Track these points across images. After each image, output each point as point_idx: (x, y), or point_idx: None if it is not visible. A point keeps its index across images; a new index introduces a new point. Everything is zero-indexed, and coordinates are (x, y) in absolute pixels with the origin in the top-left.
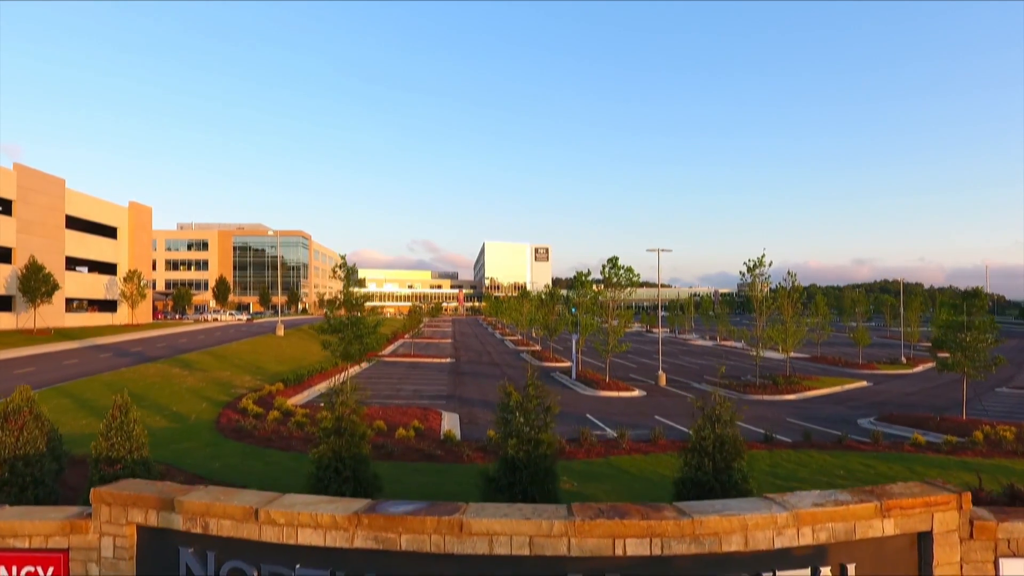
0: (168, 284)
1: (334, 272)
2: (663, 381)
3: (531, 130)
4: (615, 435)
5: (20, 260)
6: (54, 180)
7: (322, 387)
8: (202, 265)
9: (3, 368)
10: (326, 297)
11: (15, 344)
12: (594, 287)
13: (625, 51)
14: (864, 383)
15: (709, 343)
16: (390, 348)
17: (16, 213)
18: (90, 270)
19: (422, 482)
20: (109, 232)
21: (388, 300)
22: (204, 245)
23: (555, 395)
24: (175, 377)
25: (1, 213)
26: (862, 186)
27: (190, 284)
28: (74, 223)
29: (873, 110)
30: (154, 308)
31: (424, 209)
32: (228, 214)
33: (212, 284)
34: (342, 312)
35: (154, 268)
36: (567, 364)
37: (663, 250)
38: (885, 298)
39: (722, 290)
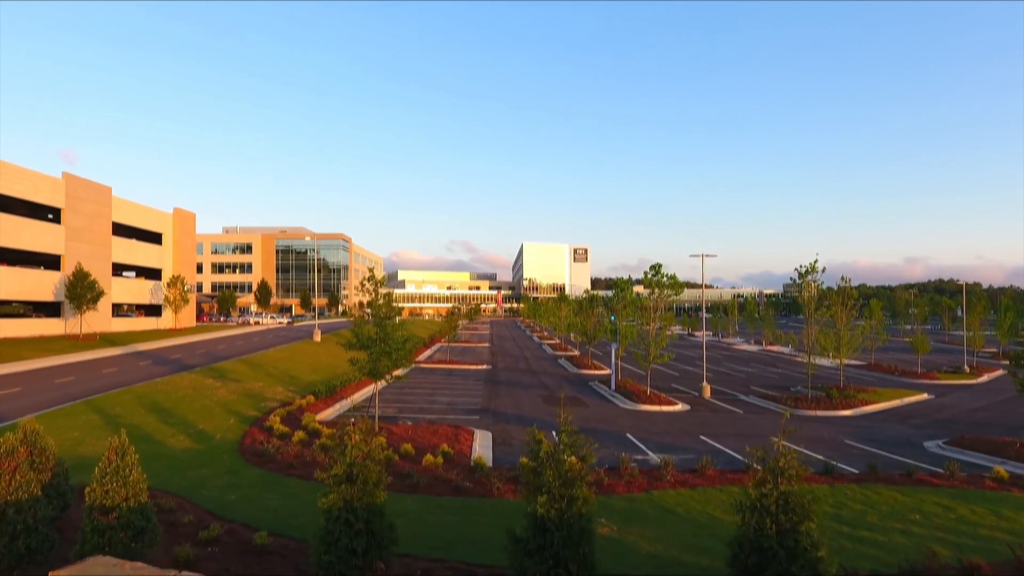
0: (214, 286)
1: (362, 285)
2: (707, 393)
3: (570, 130)
4: (658, 461)
5: (69, 267)
6: (101, 188)
7: (354, 398)
8: (246, 268)
9: (45, 376)
10: (364, 299)
11: (61, 351)
12: (634, 289)
13: (667, 49)
14: (925, 395)
15: (754, 348)
16: (427, 353)
17: (65, 221)
18: (136, 275)
19: (445, 523)
20: (154, 238)
21: (427, 301)
22: (248, 248)
23: (591, 443)
24: (207, 389)
25: (50, 221)
26: (915, 182)
27: (234, 287)
28: (120, 230)
29: (927, 106)
30: (200, 310)
31: (462, 209)
32: (272, 217)
33: (255, 287)
34: (365, 310)
35: (200, 271)
36: (606, 372)
37: (707, 255)
38: (943, 300)
39: (767, 291)
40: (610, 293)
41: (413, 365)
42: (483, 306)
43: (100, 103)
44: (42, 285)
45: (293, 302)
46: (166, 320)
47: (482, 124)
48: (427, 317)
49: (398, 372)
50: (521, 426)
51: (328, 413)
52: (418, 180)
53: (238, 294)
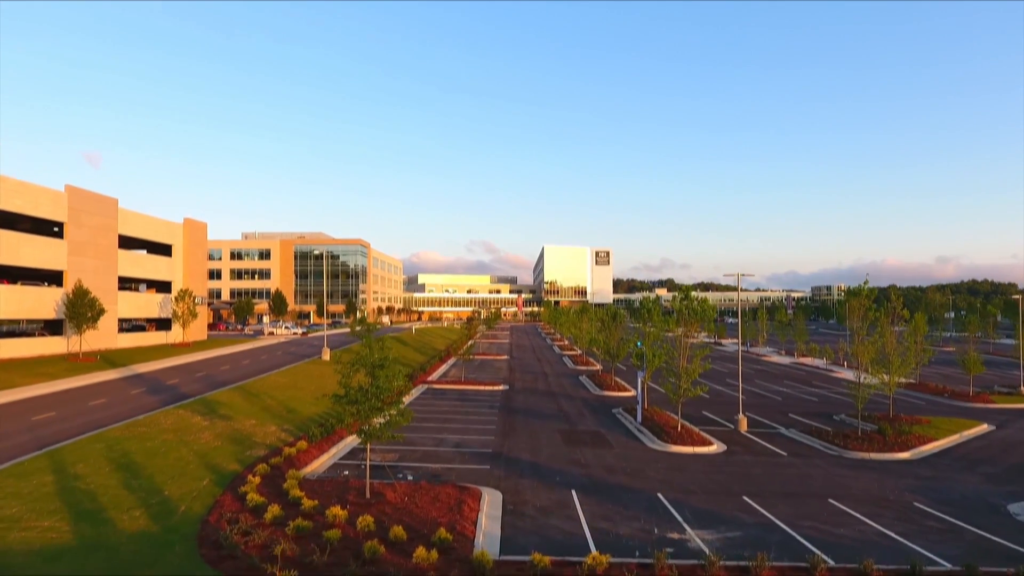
0: (233, 293)
1: (353, 329)
2: (744, 426)
3: (592, 129)
4: (699, 546)
5: (72, 283)
6: (106, 200)
7: (353, 440)
8: (265, 274)
9: (24, 412)
10: (384, 305)
11: (55, 375)
12: (657, 291)
13: (690, 47)
14: (985, 426)
15: (785, 360)
16: (442, 368)
17: (68, 235)
18: (148, 288)
19: None
20: (164, 250)
21: (447, 305)
22: (267, 254)
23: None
24: (191, 431)
25: (52, 236)
26: (946, 179)
27: (253, 293)
28: (128, 242)
29: (960, 102)
30: (219, 316)
31: (483, 210)
32: (293, 222)
33: (274, 292)
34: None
35: (219, 277)
36: (630, 393)
37: (744, 275)
38: (988, 308)
39: (795, 293)
40: (633, 296)
41: (425, 386)
42: (503, 310)
43: (119, 107)
44: (43, 302)
45: (310, 308)
46: (175, 334)
47: (502, 124)
48: (446, 323)
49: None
50: (537, 480)
51: (321, 463)
52: (438, 181)
53: (256, 301)
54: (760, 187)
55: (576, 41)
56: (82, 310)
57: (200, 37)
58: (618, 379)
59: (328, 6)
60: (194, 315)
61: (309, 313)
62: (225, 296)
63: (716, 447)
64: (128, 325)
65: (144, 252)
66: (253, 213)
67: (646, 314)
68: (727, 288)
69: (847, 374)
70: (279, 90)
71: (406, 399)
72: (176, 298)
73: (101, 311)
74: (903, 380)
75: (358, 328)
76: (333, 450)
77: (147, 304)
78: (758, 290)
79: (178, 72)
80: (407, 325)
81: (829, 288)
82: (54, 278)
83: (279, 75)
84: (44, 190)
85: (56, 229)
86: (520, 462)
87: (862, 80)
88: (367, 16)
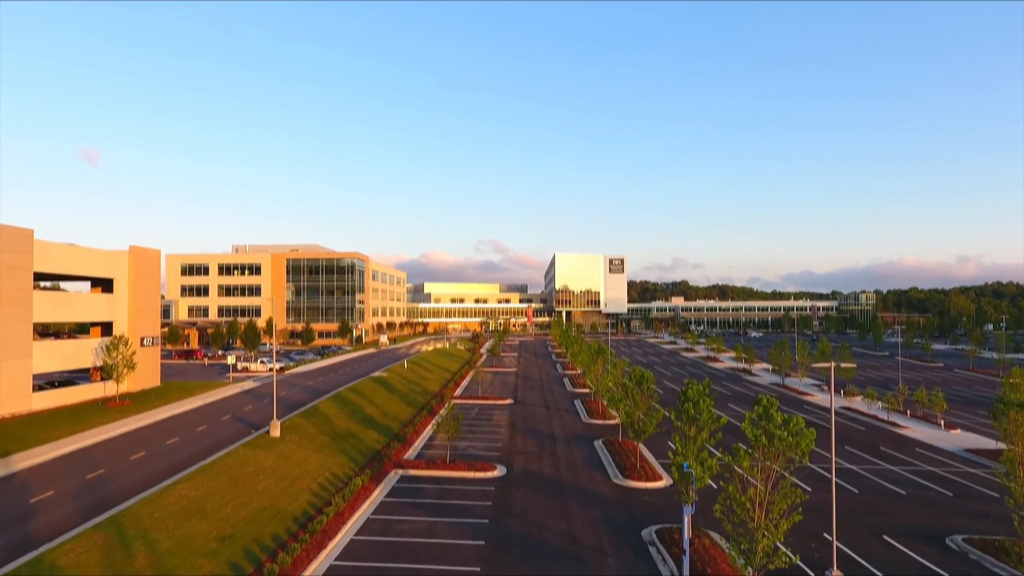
0: (221, 311)
1: None
2: None
3: (603, 127)
4: None
5: None
6: (16, 232)
7: None
8: (255, 290)
9: None
10: (384, 320)
11: None
12: (674, 300)
13: (703, 46)
14: None
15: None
16: (429, 428)
17: None
18: (91, 327)
19: None
20: (103, 285)
21: (454, 316)
22: (257, 269)
23: None
24: None
25: None
26: (967, 176)
27: (242, 311)
28: (50, 280)
29: (978, 98)
30: (206, 337)
31: (491, 209)
32: (290, 234)
33: (246, 325)
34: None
35: (207, 294)
36: (661, 484)
37: (839, 375)
38: None
39: (820, 303)
40: (648, 305)
41: (399, 473)
42: (512, 320)
43: (118, 109)
44: None
45: (300, 327)
46: (113, 386)
47: (510, 123)
48: (452, 337)
49: None
50: None
51: None
52: (446, 181)
53: (242, 320)
54: (775, 185)
55: (585, 40)
56: None
57: (198, 36)
58: (643, 452)
59: (331, 5)
60: (130, 366)
61: (303, 332)
62: (213, 314)
63: None
64: (43, 381)
65: (87, 288)
66: (250, 221)
67: (691, 408)
68: (743, 292)
69: (915, 429)
70: (281, 90)
71: (364, 508)
72: (108, 347)
73: None
74: (984, 441)
75: None
76: None
77: (76, 352)
78: (774, 293)
79: (176, 72)
80: (406, 344)
81: (856, 297)
82: None
83: (280, 75)
84: None
85: None
86: None
87: (878, 77)
88: (373, 15)
